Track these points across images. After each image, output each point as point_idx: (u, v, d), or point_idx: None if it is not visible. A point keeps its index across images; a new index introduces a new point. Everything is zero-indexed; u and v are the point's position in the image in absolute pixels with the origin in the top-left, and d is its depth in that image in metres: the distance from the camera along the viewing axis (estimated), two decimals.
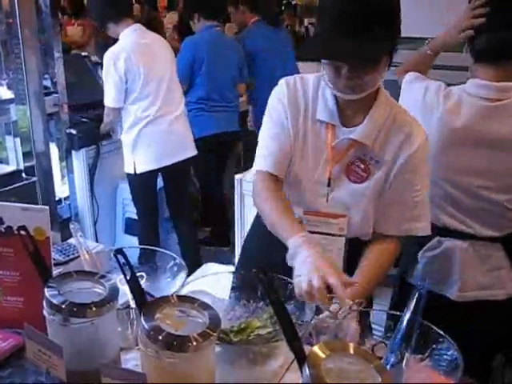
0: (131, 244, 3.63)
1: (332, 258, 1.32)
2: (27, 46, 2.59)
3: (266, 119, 1.56)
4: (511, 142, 1.70)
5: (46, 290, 1.03)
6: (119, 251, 0.98)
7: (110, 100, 3.05)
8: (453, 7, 2.32)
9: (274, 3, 4.71)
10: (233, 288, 1.32)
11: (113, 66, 2.97)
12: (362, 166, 1.47)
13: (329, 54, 1.34)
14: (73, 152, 3.31)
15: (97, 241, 3.53)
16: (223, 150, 4.02)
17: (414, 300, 1.20)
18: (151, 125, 3.07)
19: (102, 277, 1.10)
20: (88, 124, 3.34)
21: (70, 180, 3.38)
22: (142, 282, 1.40)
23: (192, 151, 3.29)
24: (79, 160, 3.35)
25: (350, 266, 1.48)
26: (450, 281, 1.85)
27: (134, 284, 0.99)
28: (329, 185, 1.49)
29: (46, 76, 3.20)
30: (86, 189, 3.42)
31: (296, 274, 1.26)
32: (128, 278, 0.99)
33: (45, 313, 1.03)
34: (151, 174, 3.17)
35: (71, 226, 1.42)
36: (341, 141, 1.48)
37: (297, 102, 1.51)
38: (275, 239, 1.57)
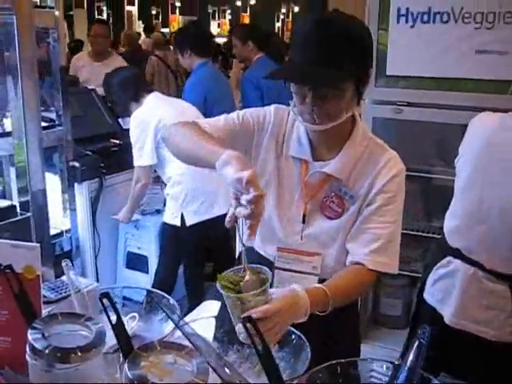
0: (133, 279, 3.60)
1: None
2: (26, 81, 2.59)
3: (242, 111, 1.54)
4: None
5: (29, 332, 1.00)
6: (105, 295, 0.94)
7: (147, 158, 3.02)
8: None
9: (280, 42, 4.77)
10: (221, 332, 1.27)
11: (143, 125, 3.00)
12: (337, 201, 1.45)
13: (287, 77, 1.38)
14: (75, 185, 3.30)
15: (97, 275, 3.50)
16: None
17: (414, 348, 1.16)
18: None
19: (89, 319, 1.06)
20: (91, 157, 3.34)
21: (71, 213, 3.36)
22: (134, 324, 1.38)
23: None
24: (81, 193, 3.33)
25: None
26: (448, 303, 1.88)
27: (119, 329, 0.95)
28: (303, 221, 1.47)
29: (52, 108, 3.22)
30: (87, 222, 3.39)
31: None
32: (114, 322, 0.95)
33: (27, 357, 0.99)
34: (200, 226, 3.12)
35: (63, 264, 1.39)
36: (313, 174, 1.46)
37: (278, 135, 1.51)
38: None
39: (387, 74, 2.51)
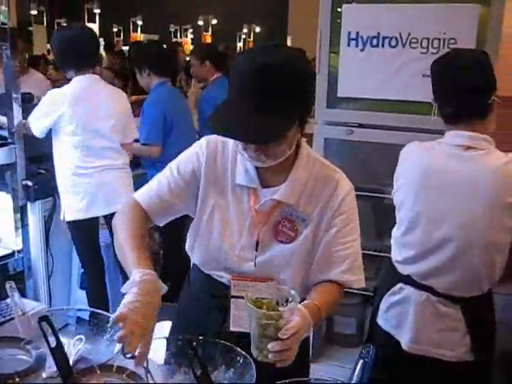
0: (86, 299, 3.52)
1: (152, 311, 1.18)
2: None
3: (174, 164, 1.53)
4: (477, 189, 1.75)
5: None
6: (44, 318, 0.93)
7: (36, 129, 3.06)
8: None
9: None
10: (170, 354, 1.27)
11: (50, 106, 2.99)
12: (289, 225, 1.46)
13: (233, 135, 1.34)
14: (28, 204, 3.23)
15: (50, 295, 3.42)
16: None
17: (358, 367, 1.18)
18: (83, 176, 3.07)
19: (29, 343, 1.04)
20: (45, 176, 3.27)
21: (24, 232, 3.28)
22: (81, 346, 1.36)
23: None
24: (34, 212, 3.26)
25: None
26: (404, 329, 1.90)
27: (58, 353, 0.93)
28: (256, 249, 1.47)
29: (5, 126, 3.16)
30: (40, 242, 3.32)
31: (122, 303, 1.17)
32: (53, 346, 0.94)
33: None
34: (86, 223, 3.15)
35: (7, 286, 1.37)
36: (264, 203, 1.46)
37: (215, 167, 1.50)
38: (213, 304, 1.54)
39: (338, 95, 2.56)
